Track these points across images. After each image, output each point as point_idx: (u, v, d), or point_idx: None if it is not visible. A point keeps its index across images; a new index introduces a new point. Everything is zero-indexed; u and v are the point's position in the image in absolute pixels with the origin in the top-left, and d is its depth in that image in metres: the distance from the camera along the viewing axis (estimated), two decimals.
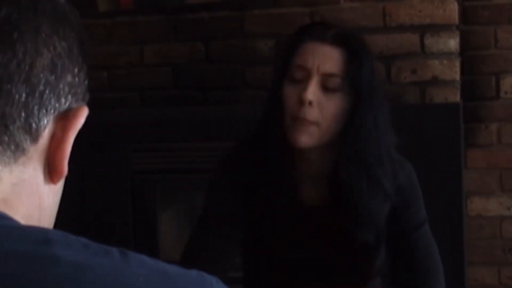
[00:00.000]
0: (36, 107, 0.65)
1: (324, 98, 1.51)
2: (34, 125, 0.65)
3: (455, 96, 2.59)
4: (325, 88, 1.51)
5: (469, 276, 2.76)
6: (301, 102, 1.50)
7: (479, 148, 2.76)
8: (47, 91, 0.66)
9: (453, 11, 2.56)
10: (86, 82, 0.72)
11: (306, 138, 1.51)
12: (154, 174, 2.67)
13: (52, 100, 0.67)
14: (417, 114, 2.59)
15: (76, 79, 0.70)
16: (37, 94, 0.65)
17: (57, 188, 0.71)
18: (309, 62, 1.51)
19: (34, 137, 0.66)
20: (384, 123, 1.57)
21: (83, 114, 0.70)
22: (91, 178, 2.69)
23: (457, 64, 2.59)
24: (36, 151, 0.67)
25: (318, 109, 1.50)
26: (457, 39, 2.58)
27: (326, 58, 1.52)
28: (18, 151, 0.65)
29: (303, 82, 1.51)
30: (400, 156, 1.65)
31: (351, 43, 1.54)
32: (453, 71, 2.58)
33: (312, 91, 1.49)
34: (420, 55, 2.59)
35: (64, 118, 0.68)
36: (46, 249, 0.60)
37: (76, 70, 0.70)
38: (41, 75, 0.65)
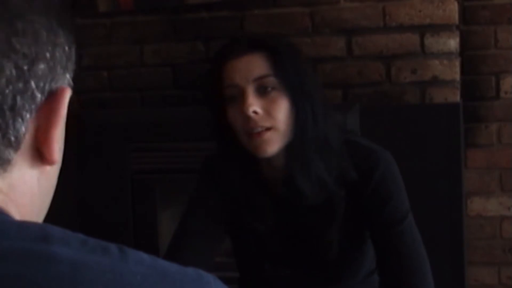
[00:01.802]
0: (10, 122, 0.64)
1: (266, 103, 1.53)
2: (13, 138, 0.65)
3: (455, 96, 2.59)
4: (263, 92, 1.54)
5: (469, 276, 2.76)
6: (246, 117, 1.52)
7: (479, 148, 2.76)
8: (17, 101, 0.64)
9: (453, 11, 2.56)
10: (68, 50, 0.69)
11: (270, 147, 1.53)
12: (154, 174, 2.67)
13: (26, 105, 0.65)
14: (417, 114, 2.59)
15: (51, 62, 0.67)
16: (7, 112, 0.63)
17: (52, 171, 0.70)
18: (236, 78, 1.54)
19: (15, 146, 0.65)
20: (321, 111, 1.58)
21: (65, 95, 0.68)
22: (91, 178, 2.69)
23: (457, 64, 2.59)
24: (22, 154, 0.66)
25: (265, 114, 1.52)
26: (457, 39, 2.58)
27: (250, 66, 1.54)
28: (4, 164, 0.65)
29: (241, 98, 1.53)
30: (379, 146, 1.65)
31: (267, 45, 1.57)
32: (453, 71, 2.58)
33: (251, 102, 1.51)
34: (420, 55, 2.59)
35: (45, 107, 0.67)
36: (44, 246, 0.59)
37: (48, 53, 0.66)
38: (7, 90, 0.63)
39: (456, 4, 2.57)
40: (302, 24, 2.64)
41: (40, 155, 0.68)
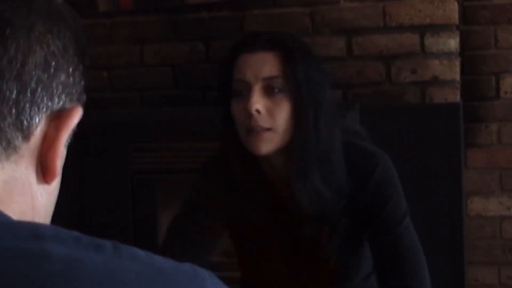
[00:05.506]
0: (27, 105, 0.65)
1: (270, 103, 1.53)
2: (25, 122, 0.65)
3: (455, 96, 2.59)
4: (270, 92, 1.53)
5: (469, 276, 2.76)
6: (248, 114, 1.52)
7: (479, 148, 2.76)
8: (39, 89, 0.66)
9: (453, 11, 2.56)
10: (82, 83, 0.72)
11: (265, 146, 1.53)
12: (154, 174, 2.67)
13: (45, 98, 0.66)
14: (417, 114, 2.59)
15: (71, 78, 0.69)
16: (28, 92, 0.65)
17: (52, 189, 0.70)
18: (247, 74, 1.54)
19: (26, 134, 0.66)
20: (325, 121, 1.57)
21: (77, 114, 0.69)
22: (91, 178, 2.69)
23: (457, 64, 2.59)
24: (28, 150, 0.66)
25: (267, 115, 1.53)
26: (457, 39, 2.58)
27: (262, 65, 1.54)
28: (9, 148, 0.65)
29: (247, 94, 1.54)
30: (376, 148, 1.64)
31: (284, 45, 1.56)
32: (453, 71, 2.58)
33: (256, 100, 1.52)
34: (420, 55, 2.59)
35: (57, 118, 0.68)
36: (36, 244, 0.59)
37: (71, 69, 0.69)
38: (33, 72, 0.65)
39: (456, 4, 2.57)
40: (302, 24, 2.65)
41: (42, 170, 0.68)
